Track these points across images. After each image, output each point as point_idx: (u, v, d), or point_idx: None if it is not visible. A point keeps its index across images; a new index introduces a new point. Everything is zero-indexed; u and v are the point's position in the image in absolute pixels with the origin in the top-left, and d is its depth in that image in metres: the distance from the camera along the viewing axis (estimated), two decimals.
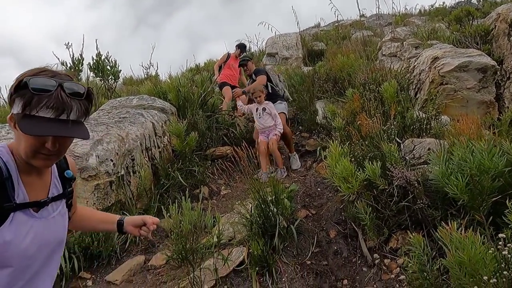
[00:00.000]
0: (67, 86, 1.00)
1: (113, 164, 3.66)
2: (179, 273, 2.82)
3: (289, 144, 4.87)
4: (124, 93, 7.96)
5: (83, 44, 8.14)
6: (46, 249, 1.11)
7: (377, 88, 4.25)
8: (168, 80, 8.56)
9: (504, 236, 1.74)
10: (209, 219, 2.81)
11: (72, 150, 3.33)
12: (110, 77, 6.95)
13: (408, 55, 6.00)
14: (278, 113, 4.81)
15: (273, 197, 3.06)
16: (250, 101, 5.09)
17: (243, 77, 7.07)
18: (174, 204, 2.67)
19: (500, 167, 2.09)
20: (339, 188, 2.78)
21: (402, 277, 2.30)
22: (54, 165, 1.20)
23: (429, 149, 2.96)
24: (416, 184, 2.54)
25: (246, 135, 5.37)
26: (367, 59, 5.86)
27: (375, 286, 2.47)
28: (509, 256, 1.66)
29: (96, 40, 7.67)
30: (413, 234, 2.14)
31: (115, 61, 6.89)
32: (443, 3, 12.33)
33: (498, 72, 4.80)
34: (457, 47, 5.40)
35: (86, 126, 1.08)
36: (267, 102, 4.72)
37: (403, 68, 5.29)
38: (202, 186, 4.41)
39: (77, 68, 6.50)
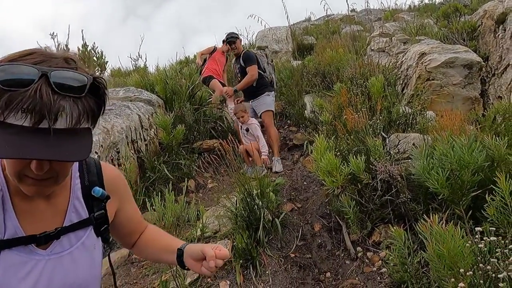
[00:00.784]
0: (55, 76, 0.66)
1: (98, 156, 3.60)
2: (162, 266, 2.81)
3: (273, 146, 4.64)
4: (111, 85, 7.81)
5: (68, 34, 8.00)
6: None
7: (364, 83, 4.26)
8: (156, 72, 8.41)
9: (481, 229, 1.77)
10: (192, 212, 2.80)
11: None
12: (97, 68, 6.83)
13: (396, 50, 6.03)
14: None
15: (259, 190, 3.05)
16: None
17: (225, 74, 6.81)
18: (157, 197, 2.65)
19: (480, 162, 2.11)
20: (323, 182, 2.79)
21: (383, 269, 2.33)
22: (76, 180, 0.92)
23: (413, 144, 2.98)
24: (399, 179, 2.56)
25: (233, 129, 5.34)
26: (356, 53, 5.85)
27: (357, 278, 2.50)
28: (485, 249, 1.69)
29: (82, 30, 7.53)
30: (395, 227, 2.16)
31: (102, 52, 6.81)
32: None
33: (484, 69, 4.87)
34: (444, 43, 5.45)
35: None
36: (250, 121, 4.53)
37: (391, 64, 5.31)
38: (188, 179, 4.38)
39: None
